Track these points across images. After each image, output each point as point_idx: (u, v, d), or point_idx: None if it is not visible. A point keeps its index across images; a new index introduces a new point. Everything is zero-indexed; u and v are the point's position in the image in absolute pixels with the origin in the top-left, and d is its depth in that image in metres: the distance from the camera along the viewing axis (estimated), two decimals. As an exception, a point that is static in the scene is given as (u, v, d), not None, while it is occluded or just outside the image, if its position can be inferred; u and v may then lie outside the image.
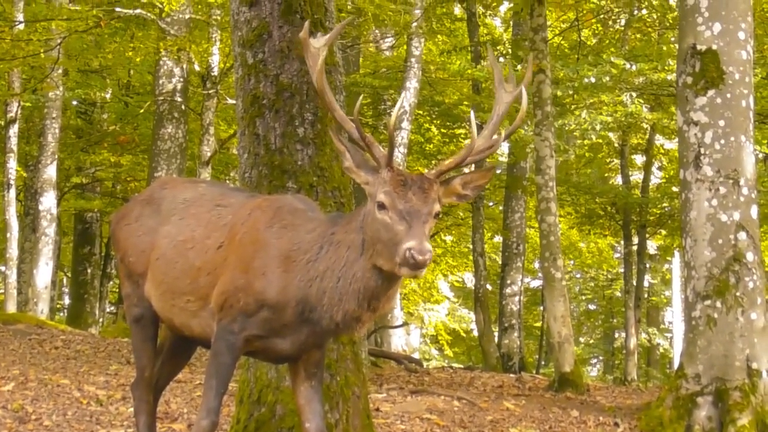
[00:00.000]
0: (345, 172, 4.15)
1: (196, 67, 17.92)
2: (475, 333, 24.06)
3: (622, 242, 23.57)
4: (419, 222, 3.83)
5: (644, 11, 19.79)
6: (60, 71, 17.61)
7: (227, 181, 21.50)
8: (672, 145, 22.01)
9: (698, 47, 8.03)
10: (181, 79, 16.76)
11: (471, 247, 21.45)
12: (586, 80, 16.39)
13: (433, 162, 21.13)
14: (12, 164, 17.56)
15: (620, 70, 16.19)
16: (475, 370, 17.01)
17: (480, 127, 4.26)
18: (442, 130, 21.69)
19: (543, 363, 25.51)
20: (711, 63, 7.95)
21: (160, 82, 16.71)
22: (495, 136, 4.26)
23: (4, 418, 6.45)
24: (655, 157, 23.35)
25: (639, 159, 25.15)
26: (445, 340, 29.62)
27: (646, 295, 26.13)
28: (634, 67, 16.31)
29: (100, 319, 23.77)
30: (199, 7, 17.63)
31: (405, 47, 17.95)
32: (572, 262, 30.94)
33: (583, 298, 33.68)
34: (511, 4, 15.85)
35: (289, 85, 5.70)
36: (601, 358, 34.37)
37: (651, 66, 16.31)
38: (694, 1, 8.07)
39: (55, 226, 18.78)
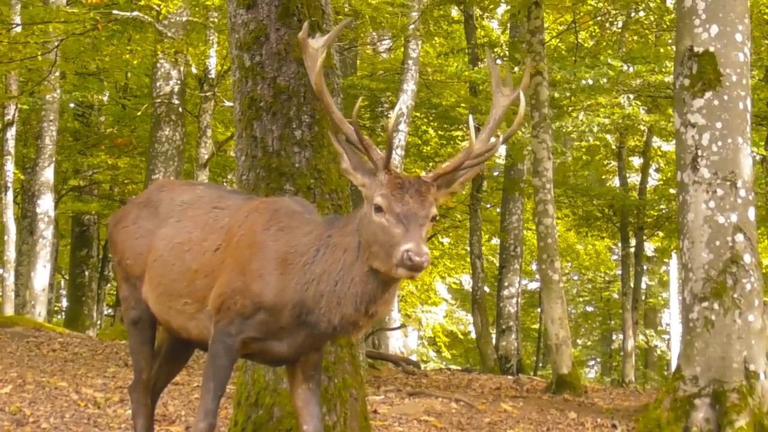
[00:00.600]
0: (342, 174, 4.16)
1: (194, 70, 17.91)
2: (473, 335, 24.06)
3: (620, 244, 23.59)
4: (416, 225, 3.83)
5: (641, 13, 19.80)
6: (57, 74, 17.60)
7: (225, 184, 21.49)
8: (669, 147, 22.00)
9: (695, 49, 8.03)
10: (179, 82, 16.76)
11: (468, 249, 21.46)
12: (583, 82, 16.41)
13: (431, 164, 21.14)
14: (9, 167, 17.54)
15: (617, 72, 16.21)
16: (473, 372, 17.00)
17: (478, 131, 4.27)
18: (440, 133, 21.69)
19: (541, 365, 25.48)
20: (708, 65, 7.95)
21: (158, 84, 16.70)
22: (493, 139, 4.27)
23: (1, 420, 6.45)
24: (652, 159, 23.35)
25: (636, 161, 25.17)
26: (442, 342, 29.58)
27: (643, 297, 26.13)
28: (631, 69, 16.32)
29: (98, 322, 23.78)
30: (197, 9, 17.63)
31: (402, 49, 17.95)
32: (570, 264, 30.93)
33: (581, 300, 33.67)
34: (509, 7, 15.84)
35: (287, 88, 5.71)
36: (598, 360, 34.37)
37: (648, 68, 16.33)
38: (692, 3, 8.07)
39: (53, 229, 18.78)
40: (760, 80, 16.61)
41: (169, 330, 4.72)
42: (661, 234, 23.84)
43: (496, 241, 26.48)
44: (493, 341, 20.00)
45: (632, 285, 21.77)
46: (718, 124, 7.88)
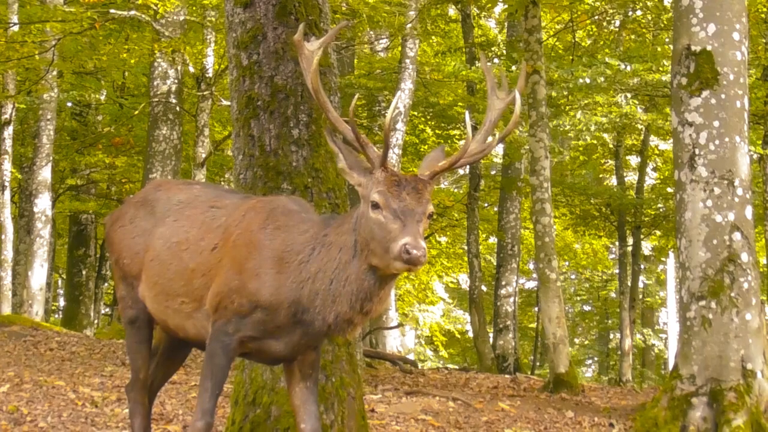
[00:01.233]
0: (339, 173, 4.16)
1: (191, 69, 17.90)
2: (470, 334, 24.09)
3: (617, 243, 23.62)
4: (413, 221, 3.85)
5: (639, 12, 19.81)
6: (55, 73, 17.58)
7: (222, 183, 21.49)
8: (667, 145, 22.03)
9: (693, 48, 8.03)
10: (176, 81, 16.74)
11: (466, 248, 21.47)
12: (580, 81, 16.41)
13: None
14: (7, 166, 17.52)
15: (615, 71, 16.21)
16: (470, 371, 17.02)
17: (474, 129, 4.28)
18: (437, 131, 21.69)
19: (538, 364, 25.51)
20: (706, 64, 7.95)
21: (155, 83, 16.69)
22: (489, 138, 4.28)
23: (-2, 420, 6.45)
24: (649, 158, 23.38)
25: (634, 160, 25.19)
26: (440, 341, 29.58)
27: (640, 296, 26.14)
28: (628, 68, 16.32)
29: (95, 321, 23.76)
30: (194, 8, 17.62)
31: (399, 48, 17.95)
32: (567, 263, 30.97)
33: (578, 299, 33.70)
34: (506, 6, 15.83)
35: (284, 87, 5.70)
36: (596, 359, 34.41)
37: (645, 67, 16.33)
38: (689, 2, 8.07)
39: (50, 228, 18.75)
40: (758, 79, 16.61)
41: (167, 329, 4.73)
42: (658, 233, 23.86)
43: (493, 240, 26.51)
44: (491, 340, 20.01)
45: (629, 284, 21.81)
46: (716, 123, 7.88)
